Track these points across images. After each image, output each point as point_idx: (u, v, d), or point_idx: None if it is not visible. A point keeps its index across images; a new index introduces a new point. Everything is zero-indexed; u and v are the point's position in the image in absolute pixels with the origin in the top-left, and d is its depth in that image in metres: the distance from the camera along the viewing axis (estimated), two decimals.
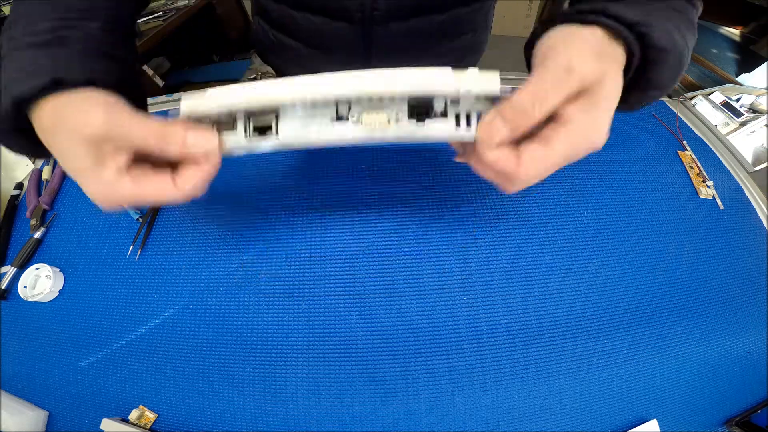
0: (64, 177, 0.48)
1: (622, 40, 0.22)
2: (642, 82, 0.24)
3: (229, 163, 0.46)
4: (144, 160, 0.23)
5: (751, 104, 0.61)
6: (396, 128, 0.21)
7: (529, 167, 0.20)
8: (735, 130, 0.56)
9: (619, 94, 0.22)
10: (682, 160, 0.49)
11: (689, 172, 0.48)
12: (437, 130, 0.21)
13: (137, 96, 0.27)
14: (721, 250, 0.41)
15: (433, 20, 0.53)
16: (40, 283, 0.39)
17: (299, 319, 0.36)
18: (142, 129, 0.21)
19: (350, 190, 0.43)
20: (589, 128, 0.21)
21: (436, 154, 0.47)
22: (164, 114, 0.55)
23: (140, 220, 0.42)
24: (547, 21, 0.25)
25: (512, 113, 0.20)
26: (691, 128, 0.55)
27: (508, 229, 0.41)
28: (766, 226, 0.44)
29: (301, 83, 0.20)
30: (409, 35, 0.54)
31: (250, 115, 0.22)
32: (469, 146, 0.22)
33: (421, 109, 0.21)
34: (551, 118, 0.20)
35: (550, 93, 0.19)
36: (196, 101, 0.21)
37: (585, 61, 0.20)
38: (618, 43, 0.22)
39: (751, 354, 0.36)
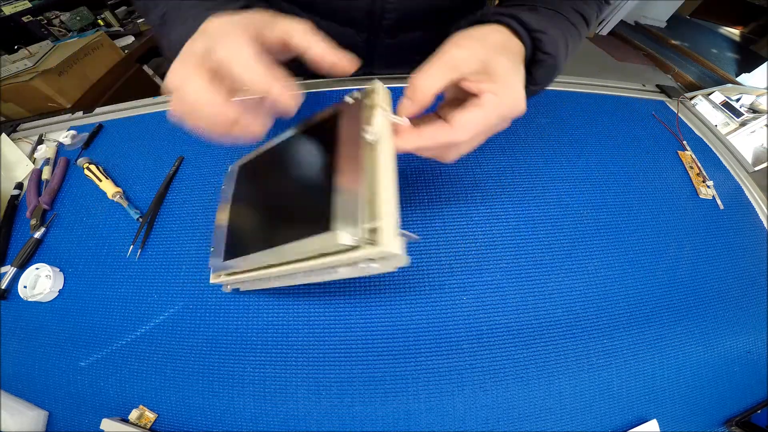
0: (64, 177, 0.48)
1: (521, 38, 0.29)
2: (525, 76, 0.30)
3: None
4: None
5: (751, 104, 0.61)
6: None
7: (462, 129, 0.25)
8: (735, 130, 0.56)
9: (521, 72, 0.28)
10: (682, 160, 0.49)
11: (689, 172, 0.48)
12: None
13: None
14: (721, 250, 0.41)
15: (440, 30, 0.53)
16: (40, 283, 0.39)
17: (299, 319, 0.36)
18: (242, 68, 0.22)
19: None
20: (506, 94, 0.25)
21: None
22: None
23: (140, 220, 0.42)
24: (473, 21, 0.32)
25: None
26: (691, 128, 0.55)
27: (508, 229, 0.41)
28: (766, 226, 0.44)
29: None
30: (412, 44, 0.54)
31: None
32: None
33: None
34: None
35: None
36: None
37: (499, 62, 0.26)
38: (518, 40, 0.29)
39: (751, 354, 0.36)
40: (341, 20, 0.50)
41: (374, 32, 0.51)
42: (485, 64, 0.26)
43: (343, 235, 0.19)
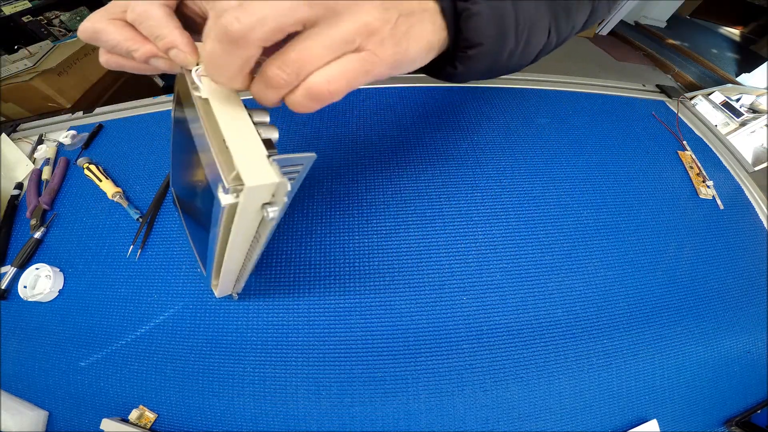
0: (64, 177, 0.48)
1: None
2: (460, 39, 0.23)
3: None
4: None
5: (751, 104, 0.61)
6: None
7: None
8: (735, 130, 0.56)
9: None
10: (682, 160, 0.49)
11: (689, 172, 0.48)
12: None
13: None
14: (721, 250, 0.41)
15: None
16: (40, 283, 0.39)
17: (299, 319, 0.36)
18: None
19: (350, 190, 0.43)
20: None
21: (437, 152, 0.47)
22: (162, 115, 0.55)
23: (140, 220, 0.42)
24: None
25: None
26: (691, 128, 0.55)
27: (508, 229, 0.41)
28: (766, 226, 0.44)
29: None
30: None
31: None
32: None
33: None
34: None
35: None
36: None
37: None
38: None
39: (751, 354, 0.36)
40: None
41: None
42: None
43: (222, 197, 0.18)
